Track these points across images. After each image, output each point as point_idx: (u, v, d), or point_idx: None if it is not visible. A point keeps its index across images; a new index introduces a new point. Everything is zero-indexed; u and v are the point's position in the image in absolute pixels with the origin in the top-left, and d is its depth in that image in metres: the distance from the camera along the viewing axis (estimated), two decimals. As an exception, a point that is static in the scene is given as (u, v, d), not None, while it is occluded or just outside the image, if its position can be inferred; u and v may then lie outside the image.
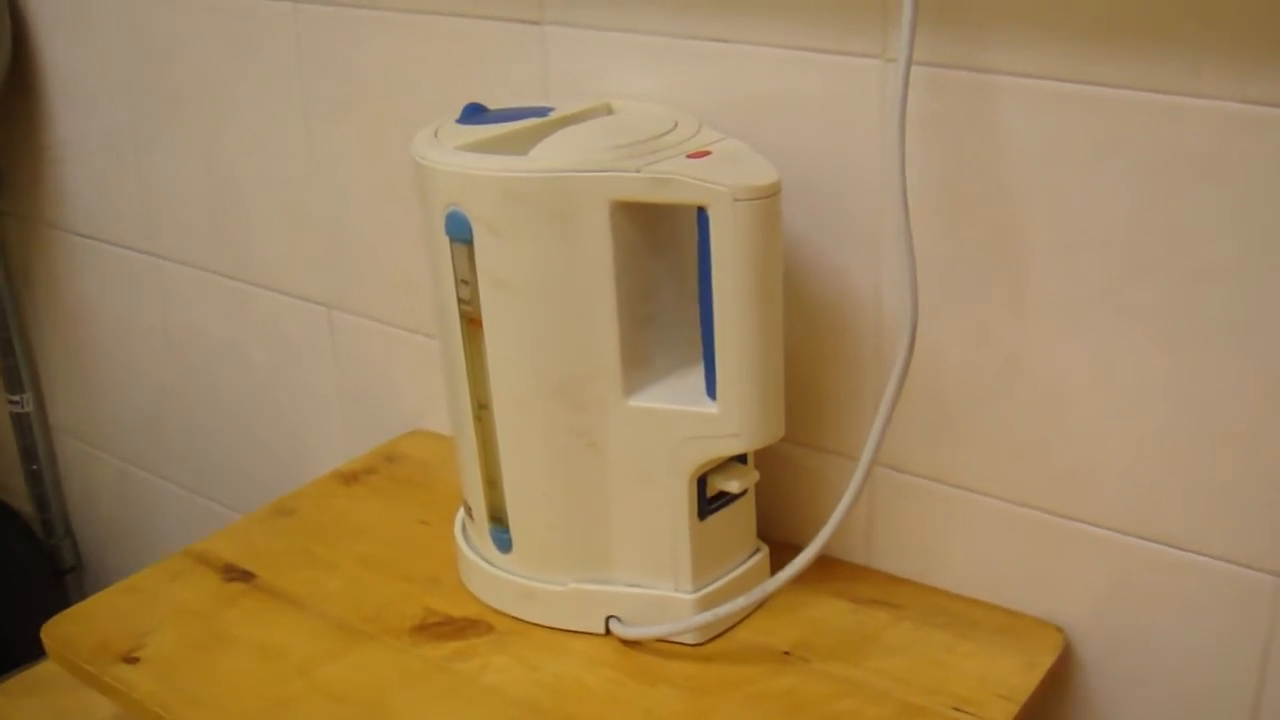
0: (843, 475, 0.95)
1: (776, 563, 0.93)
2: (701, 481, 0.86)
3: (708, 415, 0.82)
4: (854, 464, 0.90)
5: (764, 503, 0.94)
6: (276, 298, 1.28)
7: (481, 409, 0.88)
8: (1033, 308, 0.83)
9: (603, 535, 0.88)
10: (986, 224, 0.83)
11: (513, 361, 0.85)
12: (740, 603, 0.84)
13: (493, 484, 0.90)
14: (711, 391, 0.82)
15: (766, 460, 0.92)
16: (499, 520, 0.91)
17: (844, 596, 0.93)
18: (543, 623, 0.91)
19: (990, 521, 0.90)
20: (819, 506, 0.97)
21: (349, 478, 1.13)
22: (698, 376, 0.84)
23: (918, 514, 0.93)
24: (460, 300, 0.86)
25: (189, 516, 1.52)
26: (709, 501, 0.87)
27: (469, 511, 0.94)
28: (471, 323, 0.86)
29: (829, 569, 0.96)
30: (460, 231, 0.83)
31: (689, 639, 0.88)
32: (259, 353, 1.33)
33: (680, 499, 0.85)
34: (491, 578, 0.93)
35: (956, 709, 0.82)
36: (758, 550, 0.92)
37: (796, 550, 0.96)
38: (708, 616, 0.85)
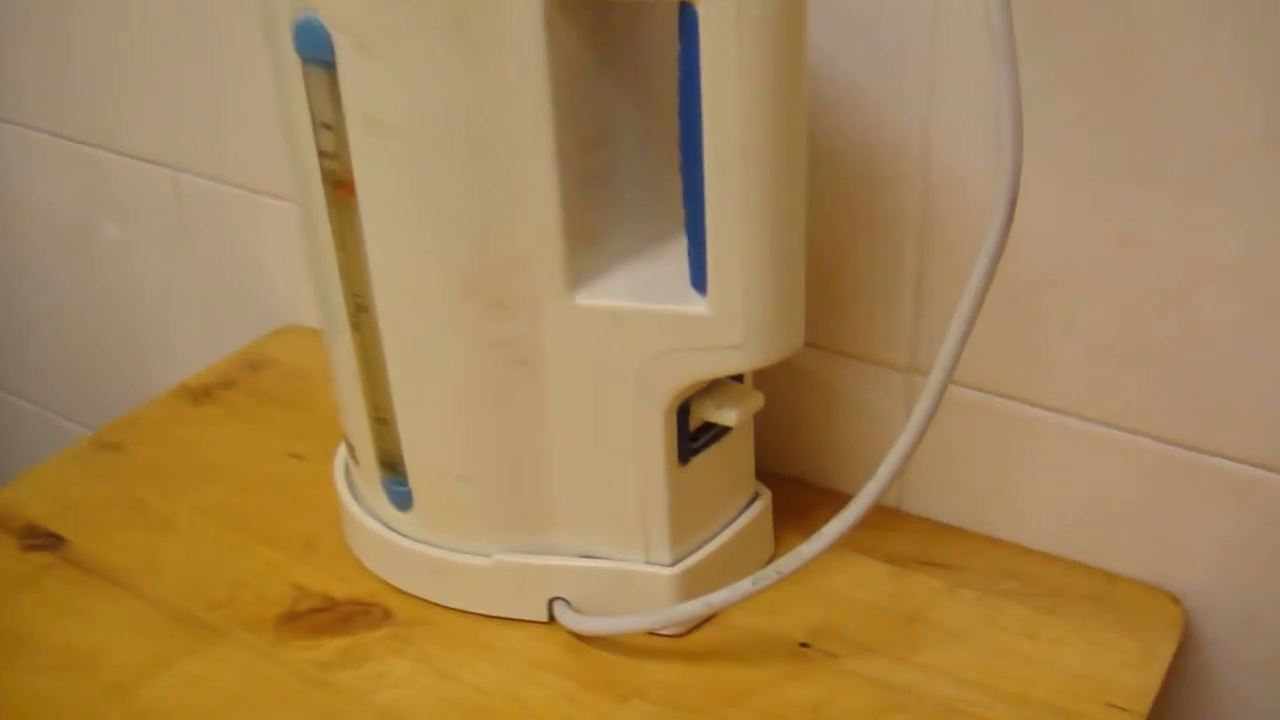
0: (871, 388, 0.69)
1: (784, 510, 0.68)
2: (682, 412, 0.59)
3: (694, 317, 0.55)
4: (891, 374, 0.65)
5: (759, 424, 0.68)
6: (112, 159, 0.98)
7: (360, 313, 0.61)
8: (1160, 166, 0.56)
9: (541, 488, 0.61)
10: (1093, 42, 0.56)
11: (400, 243, 0.57)
12: (744, 588, 0.58)
13: (382, 420, 0.63)
14: (699, 281, 0.55)
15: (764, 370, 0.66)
16: (393, 468, 0.64)
17: (875, 554, 0.68)
18: (461, 607, 0.65)
19: (1080, 451, 0.65)
20: (840, 432, 0.71)
21: (198, 394, 0.85)
22: (677, 259, 0.57)
23: (977, 441, 0.67)
24: (321, 154, 0.58)
25: (42, 439, 1.23)
26: (692, 438, 0.61)
27: (352, 453, 0.68)
28: (339, 187, 0.58)
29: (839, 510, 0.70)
30: (316, 49, 0.55)
31: (668, 630, 0.63)
32: (100, 228, 1.03)
33: (652, 437, 0.59)
34: (387, 546, 0.66)
35: (1053, 727, 0.58)
36: (756, 497, 0.67)
37: (806, 488, 0.71)
38: (696, 606, 0.59)
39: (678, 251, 0.58)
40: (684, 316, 0.55)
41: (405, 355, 0.60)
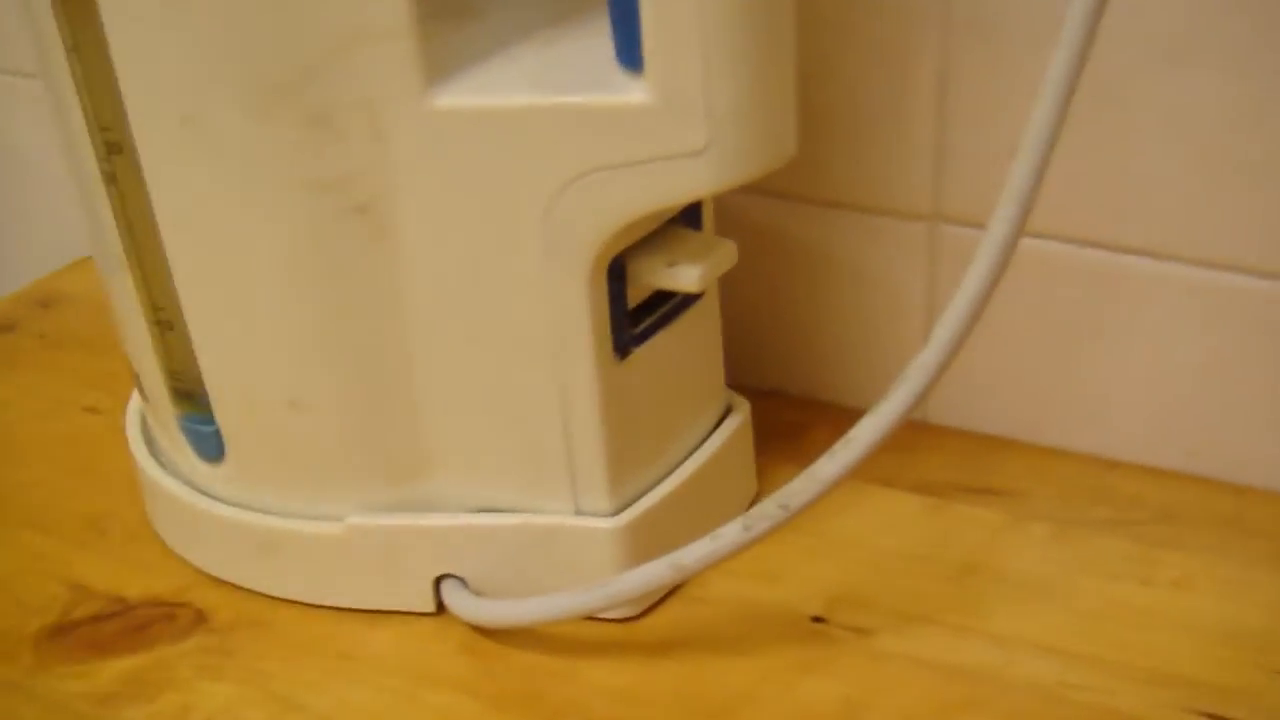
0: (883, 248, 0.49)
1: (762, 435, 0.48)
2: (616, 276, 0.39)
3: (627, 109, 0.35)
4: (909, 227, 0.45)
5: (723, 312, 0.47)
6: None
7: (114, 155, 0.39)
8: None
9: (409, 411, 0.41)
10: None
11: (156, 32, 0.36)
12: (731, 537, 0.37)
13: (165, 322, 0.42)
14: (631, 53, 0.34)
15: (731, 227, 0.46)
16: (191, 398, 0.43)
17: (900, 484, 0.48)
18: (304, 599, 0.44)
19: (1189, 313, 0.45)
20: (839, 318, 0.51)
21: (-31, 342, 0.63)
22: (589, 33, 0.37)
23: (1034, 313, 0.47)
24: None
25: None
26: (633, 318, 0.40)
27: (140, 387, 0.46)
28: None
29: (845, 429, 0.50)
30: None
31: (613, 611, 0.42)
32: None
33: (571, 317, 0.38)
34: (193, 516, 0.45)
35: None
36: (729, 411, 0.46)
37: (790, 403, 0.51)
38: (659, 570, 0.38)
39: (589, 23, 0.37)
40: (611, 110, 0.35)
41: (184, 215, 0.39)
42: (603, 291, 0.38)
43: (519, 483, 0.41)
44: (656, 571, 0.38)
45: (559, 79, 0.36)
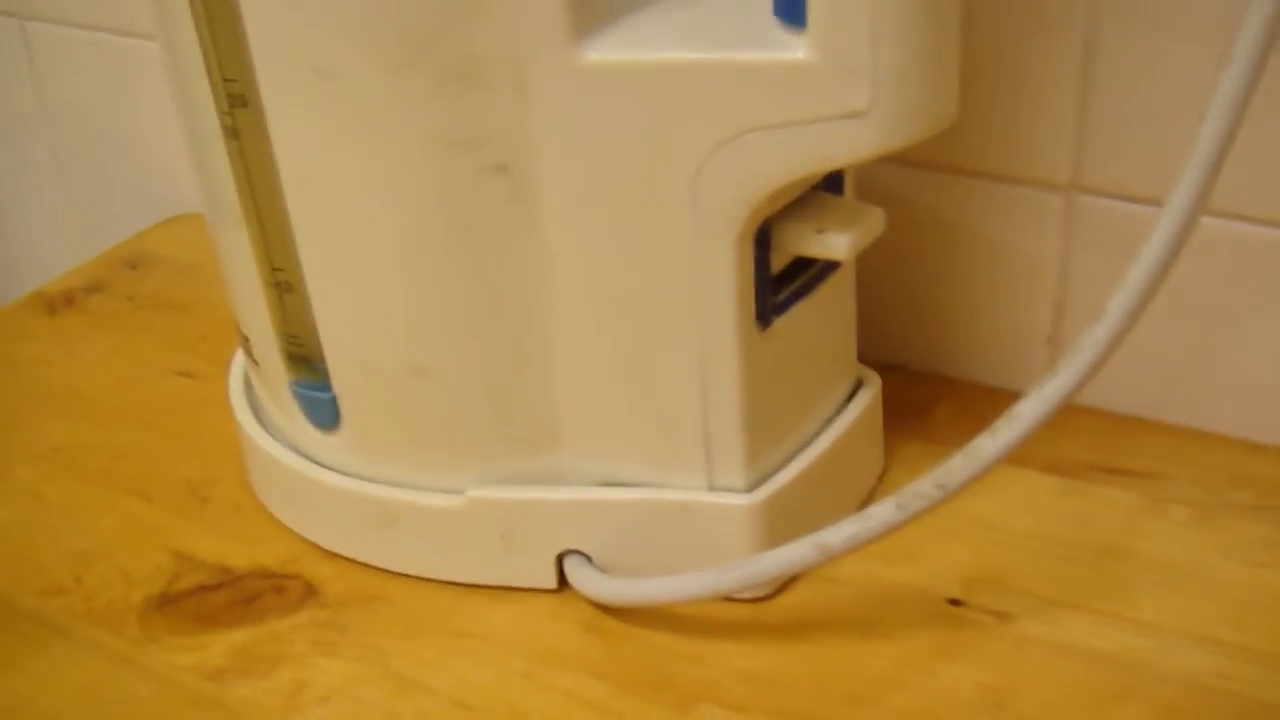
0: (1017, 218, 0.47)
1: (887, 410, 0.46)
2: (761, 241, 0.37)
3: (786, 67, 0.33)
4: (1045, 197, 0.43)
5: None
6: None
7: (237, 109, 0.38)
8: None
9: (538, 381, 0.39)
10: None
11: (291, -22, 0.35)
12: (884, 516, 0.35)
13: (284, 285, 0.40)
14: (793, 7, 0.33)
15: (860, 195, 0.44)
16: (307, 364, 0.42)
17: (1033, 464, 0.46)
18: (422, 574, 0.43)
19: (1346, 290, 0.43)
20: (971, 290, 0.49)
21: (56, 302, 0.62)
22: (746, -16, 0.35)
23: (1180, 289, 0.45)
24: None
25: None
26: (776, 284, 0.39)
27: (249, 351, 0.45)
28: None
29: (971, 405, 0.48)
30: None
31: (747, 592, 0.41)
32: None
33: (716, 283, 0.36)
34: (306, 486, 0.44)
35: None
36: (860, 385, 0.45)
37: (915, 378, 0.50)
38: (803, 550, 0.37)
39: (745, -26, 0.35)
40: (769, 68, 0.33)
41: (310, 172, 0.38)
42: (749, 258, 0.36)
43: (650, 456, 0.40)
44: (799, 553, 0.36)
45: (714, 33, 0.34)
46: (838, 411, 0.43)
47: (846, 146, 0.33)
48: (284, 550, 0.45)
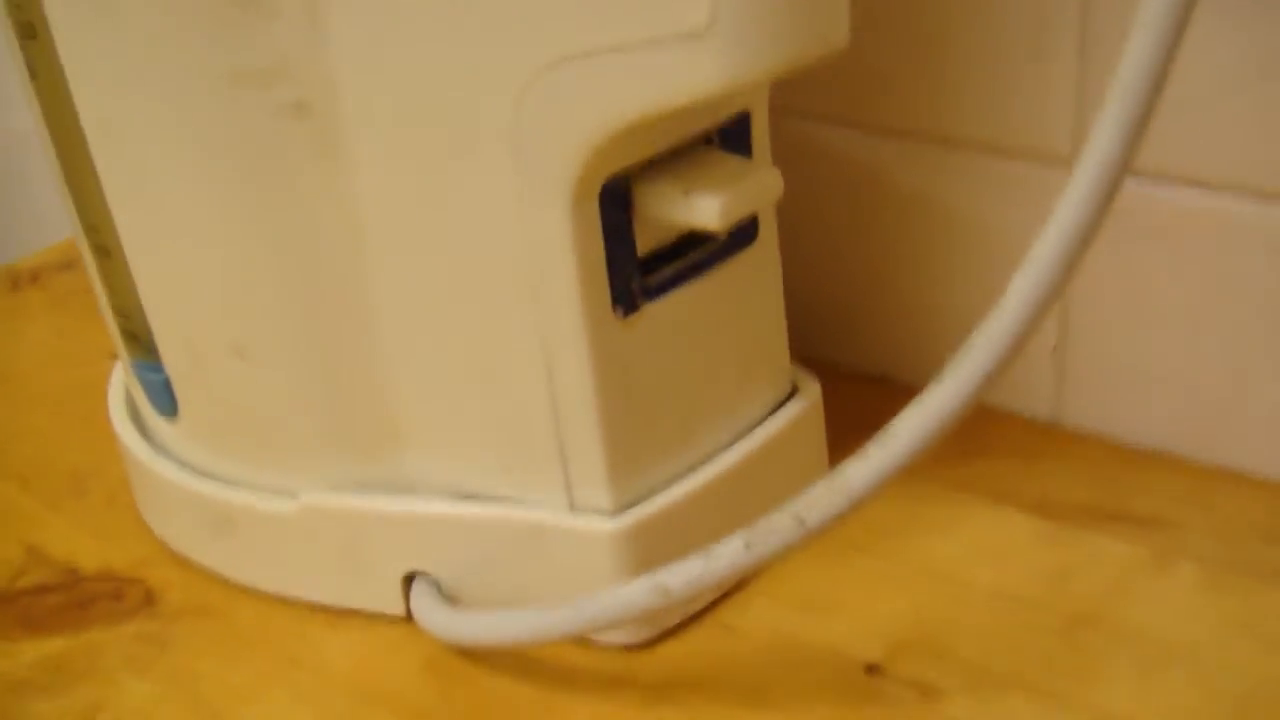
0: (1011, 199, 0.39)
1: (859, 425, 0.38)
2: (616, 202, 0.30)
3: (604, -24, 0.26)
4: (1042, 174, 0.35)
5: (806, 273, 0.38)
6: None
7: (27, 37, 0.33)
8: None
9: (372, 366, 0.33)
10: None
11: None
12: (728, 554, 0.28)
13: (104, 248, 0.35)
14: (613, -101, 0.26)
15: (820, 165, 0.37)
16: (138, 341, 0.37)
17: (1017, 500, 0.37)
18: (258, 585, 0.37)
19: None
20: (957, 283, 0.41)
21: (21, 279, 0.59)
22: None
23: (1208, 297, 0.36)
24: None
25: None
26: (645, 265, 0.31)
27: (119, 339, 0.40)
28: None
29: (961, 427, 0.40)
30: None
31: (615, 636, 0.33)
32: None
33: (554, 255, 0.29)
34: (149, 480, 0.39)
35: None
36: (793, 393, 0.37)
37: (899, 391, 0.41)
38: (640, 592, 0.29)
39: None
40: (585, -24, 0.26)
41: (104, 115, 0.32)
42: (593, 223, 0.29)
43: (503, 466, 0.33)
44: (636, 594, 0.29)
45: (529, -66, 0.27)
46: (755, 423, 0.35)
47: (685, 77, 0.26)
48: (138, 551, 0.40)
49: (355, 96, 0.29)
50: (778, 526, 0.27)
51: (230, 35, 0.29)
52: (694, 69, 0.26)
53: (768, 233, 0.34)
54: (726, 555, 0.28)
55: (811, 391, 0.37)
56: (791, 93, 0.40)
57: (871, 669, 0.32)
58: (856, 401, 0.37)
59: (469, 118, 0.28)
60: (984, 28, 0.37)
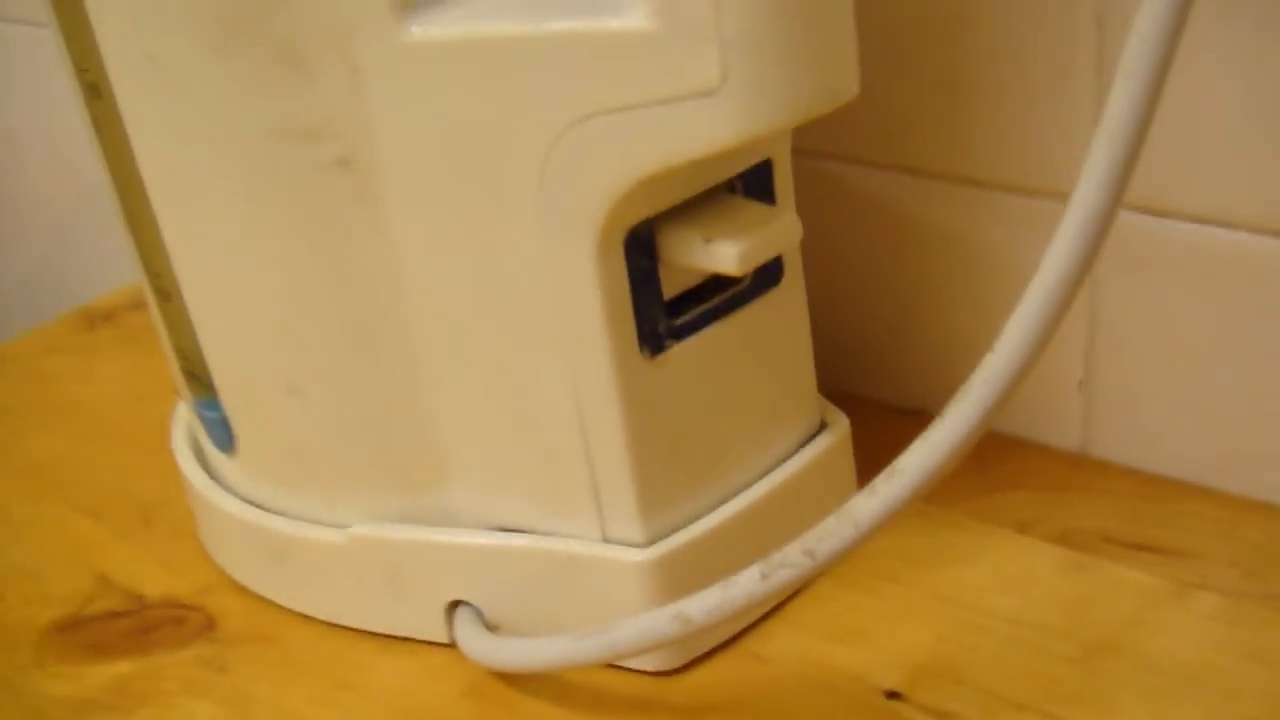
0: (1023, 236, 0.40)
1: (884, 451, 0.39)
2: (642, 249, 0.31)
3: (626, 37, 0.27)
4: (1052, 209, 0.36)
5: (837, 311, 0.39)
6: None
7: (92, 97, 0.35)
8: None
9: (412, 404, 0.35)
10: None
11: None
12: (746, 585, 0.29)
13: (164, 291, 0.38)
14: (629, -33, 0.27)
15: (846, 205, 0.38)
16: (198, 380, 0.39)
17: (1042, 531, 0.38)
18: (310, 613, 0.39)
19: None
20: (981, 317, 0.42)
21: (97, 318, 0.62)
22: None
23: (1235, 327, 0.37)
24: None
25: None
26: (671, 308, 0.33)
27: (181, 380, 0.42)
28: None
29: (992, 462, 0.41)
30: None
31: (644, 664, 0.35)
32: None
33: (581, 300, 0.31)
34: (211, 512, 0.41)
35: None
36: (822, 428, 0.38)
37: (919, 420, 0.42)
38: (660, 620, 0.31)
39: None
40: (604, 39, 0.28)
41: (162, 168, 0.34)
42: (619, 269, 0.31)
43: (539, 500, 0.35)
44: (658, 623, 0.30)
45: (549, 5, 0.29)
46: (784, 458, 0.37)
47: (700, 131, 0.28)
48: (200, 580, 0.42)
49: (393, 151, 0.31)
50: (790, 559, 0.28)
51: (277, 95, 0.31)
52: (708, 125, 0.28)
53: (793, 274, 0.35)
54: (743, 585, 0.29)
55: (840, 426, 0.38)
56: (817, 135, 0.41)
57: (892, 695, 0.34)
58: (890, 434, 0.37)
59: (499, 171, 0.30)
60: (1005, 70, 0.38)
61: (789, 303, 0.36)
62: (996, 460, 0.41)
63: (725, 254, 0.31)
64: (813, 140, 0.41)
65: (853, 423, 0.39)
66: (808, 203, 0.38)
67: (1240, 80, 0.34)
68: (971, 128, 0.39)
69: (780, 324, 0.36)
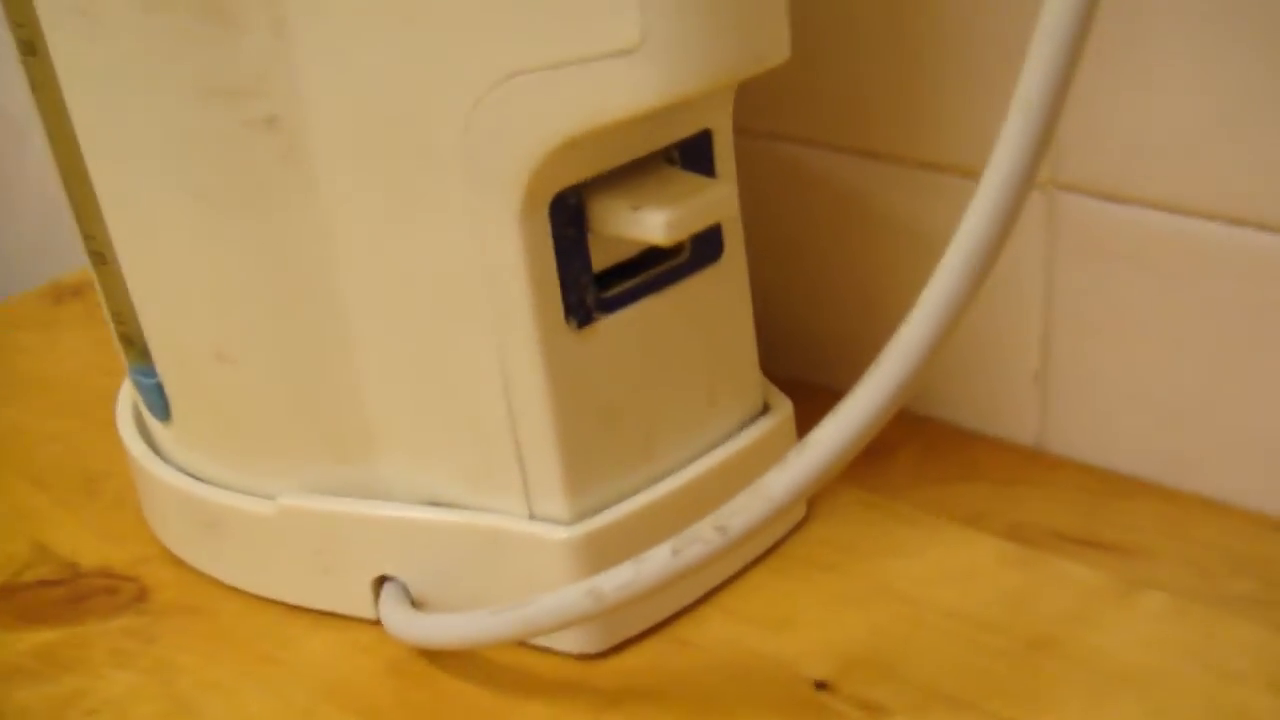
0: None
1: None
2: (569, 217, 0.31)
3: (540, -5, 0.27)
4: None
5: (783, 293, 0.38)
6: None
7: (28, 54, 0.35)
8: None
9: (341, 372, 0.34)
10: None
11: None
12: (658, 561, 0.28)
13: (97, 255, 0.37)
14: (550, -80, 0.26)
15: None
16: (133, 345, 0.38)
17: (990, 526, 0.37)
18: (240, 585, 0.38)
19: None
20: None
21: (66, 293, 0.61)
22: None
23: (1192, 320, 0.36)
24: None
25: None
26: (601, 279, 0.32)
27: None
28: None
29: (942, 452, 0.40)
30: None
31: (569, 644, 0.34)
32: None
33: (507, 269, 0.30)
34: (146, 480, 0.40)
35: None
36: (765, 410, 0.37)
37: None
38: (573, 597, 0.30)
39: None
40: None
41: (95, 125, 0.34)
42: (544, 235, 0.30)
43: (467, 475, 0.34)
44: (571, 597, 0.29)
45: (473, -44, 0.28)
46: (722, 440, 0.36)
47: (622, 91, 0.27)
48: (137, 551, 0.41)
49: (320, 109, 0.30)
50: (702, 534, 0.27)
51: (203, 51, 0.30)
52: (628, 85, 0.27)
53: (734, 249, 0.35)
54: (655, 561, 0.28)
55: (782, 410, 0.37)
56: (771, 116, 0.41)
57: (820, 686, 0.33)
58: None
59: (424, 131, 0.29)
60: (968, 53, 0.37)
61: (729, 280, 0.35)
62: (949, 452, 0.40)
63: (652, 222, 0.30)
64: (766, 121, 0.41)
65: (801, 409, 0.38)
66: (760, 184, 0.37)
67: (1199, 81, 0.33)
68: (934, 112, 0.38)
69: (720, 301, 0.35)
